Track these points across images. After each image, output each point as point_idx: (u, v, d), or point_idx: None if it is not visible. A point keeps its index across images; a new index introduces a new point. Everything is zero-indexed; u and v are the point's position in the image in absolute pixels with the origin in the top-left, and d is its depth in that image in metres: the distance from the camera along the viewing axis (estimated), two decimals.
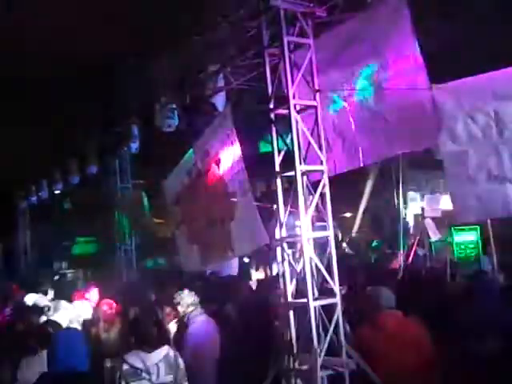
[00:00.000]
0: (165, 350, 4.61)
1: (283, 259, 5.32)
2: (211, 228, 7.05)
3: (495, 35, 7.02)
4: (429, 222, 10.58)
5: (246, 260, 11.12)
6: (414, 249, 10.58)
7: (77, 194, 15.54)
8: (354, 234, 14.95)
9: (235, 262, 9.89)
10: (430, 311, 5.74)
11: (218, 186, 6.76)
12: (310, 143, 5.38)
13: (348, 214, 16.51)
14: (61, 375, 3.82)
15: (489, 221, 7.64)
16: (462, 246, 11.45)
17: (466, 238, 11.49)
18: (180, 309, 6.24)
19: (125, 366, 4.49)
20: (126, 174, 12.51)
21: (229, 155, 6.56)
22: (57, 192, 14.56)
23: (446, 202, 10.14)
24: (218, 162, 6.78)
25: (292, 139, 5.25)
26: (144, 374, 4.46)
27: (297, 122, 5.29)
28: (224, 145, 6.62)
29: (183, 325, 6.22)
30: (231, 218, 6.48)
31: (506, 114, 5.17)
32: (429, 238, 10.35)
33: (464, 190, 5.43)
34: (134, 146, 10.80)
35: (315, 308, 5.04)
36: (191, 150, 7.66)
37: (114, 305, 7.25)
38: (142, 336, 4.64)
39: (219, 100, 8.64)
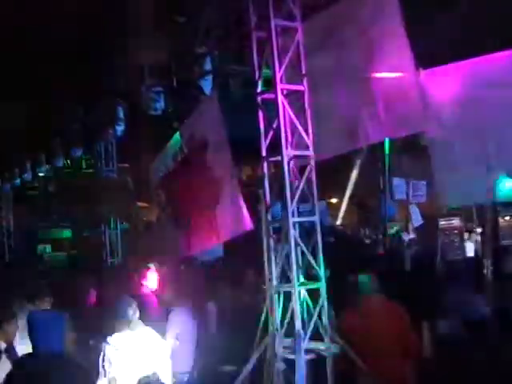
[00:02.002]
0: (145, 328, 4.65)
1: (269, 244, 5.33)
2: (196, 213, 7.03)
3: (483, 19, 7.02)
4: (413, 208, 10.66)
5: None
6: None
7: (61, 177, 15.43)
8: (339, 221, 14.99)
9: (220, 247, 9.88)
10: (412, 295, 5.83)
11: (204, 171, 6.73)
12: (296, 128, 5.37)
13: (334, 200, 16.57)
14: (37, 356, 3.83)
15: (473, 207, 7.71)
16: (446, 232, 11.52)
17: (450, 224, 11.56)
18: None
19: (108, 347, 4.51)
20: (111, 157, 12.39)
21: (215, 139, 6.53)
22: (41, 175, 14.43)
23: (430, 188, 10.22)
24: (204, 147, 6.74)
25: (279, 124, 5.23)
26: (128, 354, 4.49)
27: (284, 106, 5.27)
28: (210, 129, 6.59)
29: None
30: (217, 202, 6.47)
31: (493, 100, 5.17)
32: (413, 223, 10.42)
33: (449, 176, 5.45)
34: (120, 129, 10.71)
35: (300, 292, 5.06)
36: (177, 134, 7.61)
37: None
38: (124, 317, 4.64)
39: (206, 83, 8.58)
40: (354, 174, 14.72)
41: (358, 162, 14.42)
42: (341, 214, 15.13)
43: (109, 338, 4.57)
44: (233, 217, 6.17)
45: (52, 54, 8.59)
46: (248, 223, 5.93)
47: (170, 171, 7.82)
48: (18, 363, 4.08)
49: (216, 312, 6.55)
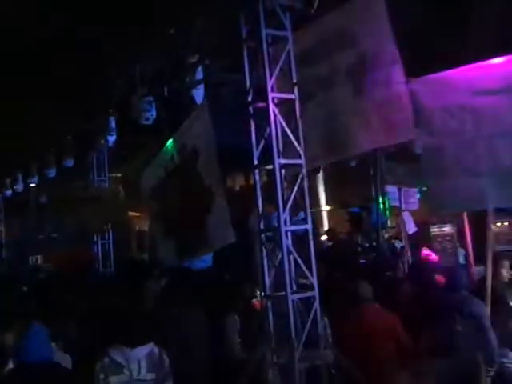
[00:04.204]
0: (149, 347, 4.54)
1: (262, 252, 5.33)
2: (187, 222, 7.03)
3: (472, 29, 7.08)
4: (406, 215, 10.68)
5: None
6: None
7: (53, 188, 15.36)
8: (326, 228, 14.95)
9: (209, 257, 9.84)
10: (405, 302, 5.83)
11: (195, 180, 6.75)
12: (288, 137, 5.39)
13: (327, 208, 16.60)
14: (35, 365, 3.93)
15: (465, 214, 7.73)
16: (439, 239, 11.55)
17: (443, 231, 11.59)
18: None
19: (106, 359, 4.45)
20: (102, 167, 12.38)
21: (206, 149, 6.55)
22: (32, 185, 14.36)
23: (423, 195, 10.26)
24: (195, 156, 6.75)
25: (270, 133, 5.25)
26: (124, 370, 4.42)
27: (275, 115, 5.29)
28: (201, 139, 6.61)
29: None
30: (207, 212, 6.48)
31: (483, 108, 5.22)
32: (406, 231, 10.44)
33: (440, 184, 5.48)
34: (112, 138, 10.69)
35: (293, 301, 5.06)
36: (169, 143, 7.62)
37: None
38: (126, 331, 4.58)
39: (198, 93, 8.59)
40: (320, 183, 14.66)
41: (321, 173, 14.33)
42: (325, 220, 15.06)
43: (108, 350, 4.50)
44: (220, 227, 6.21)
45: (44, 63, 8.59)
46: (232, 235, 5.99)
47: (162, 180, 7.81)
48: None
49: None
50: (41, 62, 8.43)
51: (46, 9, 7.12)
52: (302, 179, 5.37)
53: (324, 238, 13.00)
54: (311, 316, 5.06)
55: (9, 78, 8.86)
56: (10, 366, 4.51)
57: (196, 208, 6.74)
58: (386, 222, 12.29)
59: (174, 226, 7.50)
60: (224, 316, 6.06)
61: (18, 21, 7.51)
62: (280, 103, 5.47)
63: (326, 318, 5.33)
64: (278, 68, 5.39)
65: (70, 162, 11.92)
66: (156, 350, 4.57)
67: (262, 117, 5.40)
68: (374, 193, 11.39)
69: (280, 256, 5.14)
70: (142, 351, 4.48)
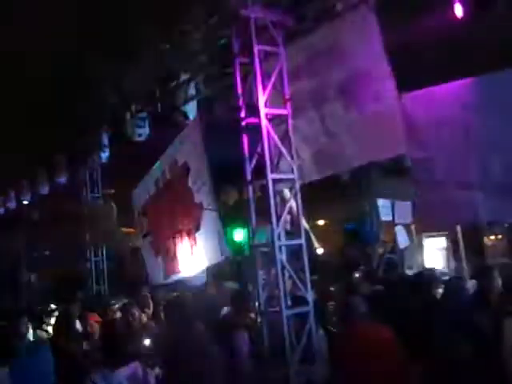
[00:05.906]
0: (132, 368, 4.44)
1: (256, 267, 5.31)
2: (177, 239, 6.99)
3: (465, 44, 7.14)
4: (399, 229, 10.68)
5: None
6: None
7: (46, 205, 15.29)
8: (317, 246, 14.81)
9: (203, 273, 9.78)
10: (405, 318, 5.79)
11: (186, 197, 6.73)
12: (280, 152, 5.40)
13: (321, 222, 16.56)
14: None
15: (458, 227, 7.75)
16: (432, 252, 11.54)
17: (436, 244, 11.59)
18: None
19: None
20: (96, 183, 12.34)
21: (197, 165, 6.55)
22: (25, 203, 14.27)
23: (415, 209, 10.26)
24: (186, 172, 6.75)
25: (263, 148, 5.26)
26: None
27: (268, 130, 5.31)
28: (192, 155, 6.61)
29: None
30: (197, 228, 6.46)
31: (473, 122, 5.26)
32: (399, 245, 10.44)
33: (432, 197, 5.50)
34: (105, 155, 10.67)
35: (288, 316, 5.04)
36: (160, 159, 7.62)
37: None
38: (107, 352, 4.49)
39: (191, 109, 8.60)
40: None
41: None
42: (313, 236, 14.92)
43: (92, 375, 4.38)
44: (213, 243, 6.18)
45: (35, 80, 8.59)
46: (226, 250, 5.96)
47: (152, 196, 7.80)
48: None
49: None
50: (34, 78, 8.45)
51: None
52: (295, 194, 5.37)
53: (320, 251, 12.92)
54: (306, 331, 5.04)
55: (2, 94, 8.87)
56: None
57: (186, 225, 6.72)
58: (379, 236, 12.27)
59: (162, 244, 7.47)
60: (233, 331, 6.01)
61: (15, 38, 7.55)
62: (272, 118, 5.49)
63: (321, 331, 5.30)
64: (270, 83, 5.42)
65: (62, 179, 11.88)
66: (140, 370, 4.47)
67: (255, 132, 5.42)
68: (366, 207, 11.40)
69: (274, 271, 5.13)
70: (124, 373, 4.37)
